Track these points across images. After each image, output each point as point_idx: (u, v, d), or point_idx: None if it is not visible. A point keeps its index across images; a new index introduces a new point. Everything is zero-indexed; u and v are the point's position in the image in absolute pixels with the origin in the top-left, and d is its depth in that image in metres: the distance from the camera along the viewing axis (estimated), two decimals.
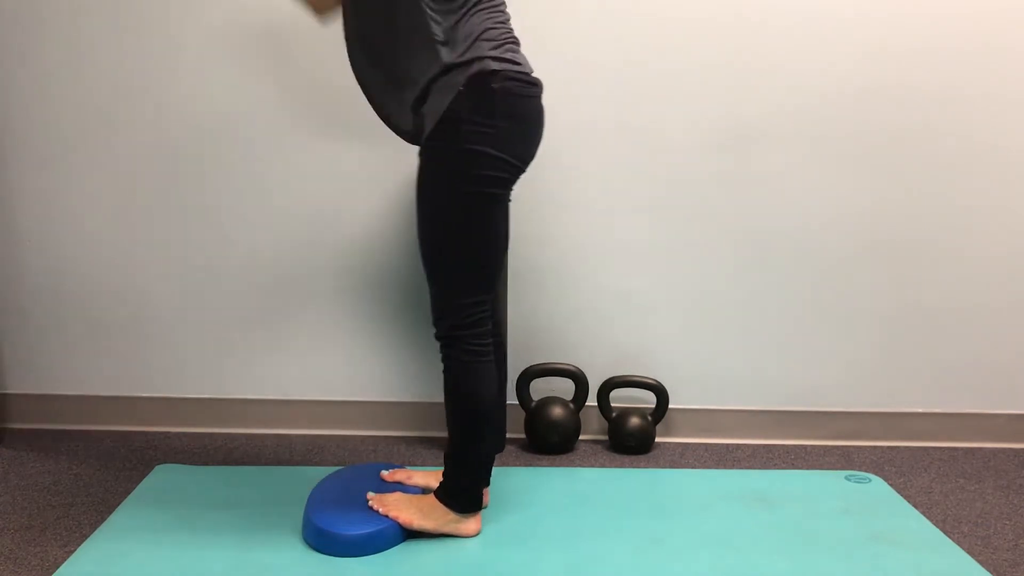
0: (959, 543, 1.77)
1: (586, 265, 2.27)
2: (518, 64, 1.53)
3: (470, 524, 1.72)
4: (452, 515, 1.70)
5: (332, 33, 2.15)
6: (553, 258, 2.27)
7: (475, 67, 1.47)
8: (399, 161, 2.21)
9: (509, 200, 1.61)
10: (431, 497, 1.72)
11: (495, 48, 1.50)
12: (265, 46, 2.16)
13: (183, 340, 2.31)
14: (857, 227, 2.26)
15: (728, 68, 2.18)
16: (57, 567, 1.59)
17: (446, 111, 1.47)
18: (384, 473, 1.86)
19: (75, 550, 1.64)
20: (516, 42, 1.57)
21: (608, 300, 2.28)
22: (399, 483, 1.83)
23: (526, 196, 2.21)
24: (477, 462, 1.69)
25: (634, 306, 2.29)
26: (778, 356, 2.32)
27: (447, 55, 1.47)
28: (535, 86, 1.56)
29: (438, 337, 1.62)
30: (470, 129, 1.48)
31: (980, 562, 1.69)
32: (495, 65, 1.48)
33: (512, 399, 2.26)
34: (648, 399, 2.29)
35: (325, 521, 1.66)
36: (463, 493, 1.70)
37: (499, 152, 1.51)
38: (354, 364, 2.32)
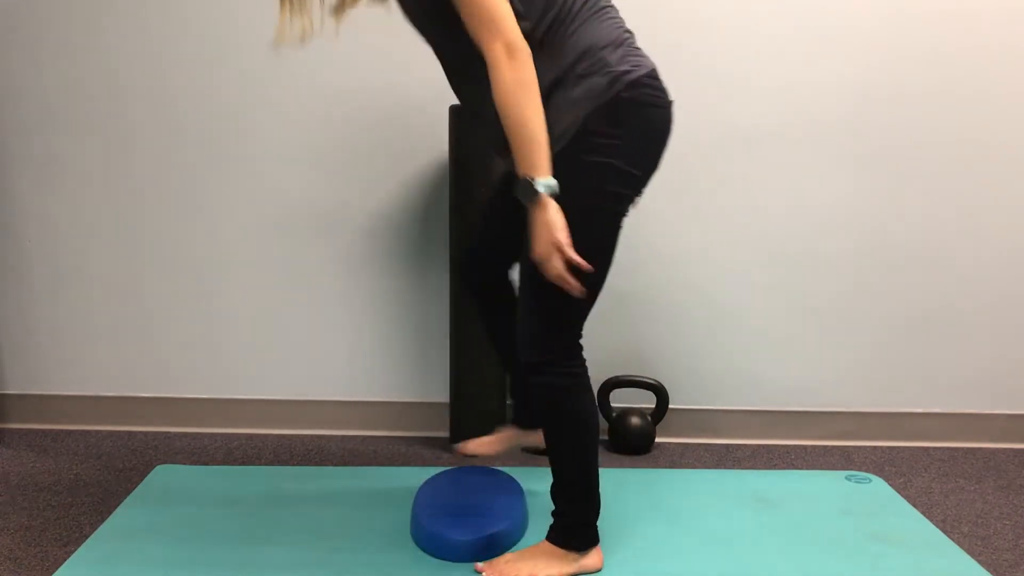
0: (959, 543, 1.77)
1: None
2: (641, 67, 1.42)
3: (594, 558, 1.59)
4: (573, 555, 1.57)
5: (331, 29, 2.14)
6: None
7: (599, 78, 1.37)
8: (401, 161, 2.21)
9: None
10: (544, 545, 1.59)
11: (620, 55, 1.40)
12: (265, 45, 2.16)
13: (183, 340, 2.31)
14: (857, 227, 2.26)
15: (729, 68, 2.18)
16: (57, 567, 1.58)
17: (577, 127, 1.37)
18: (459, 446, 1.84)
19: (75, 550, 1.64)
20: (636, 45, 1.46)
21: (608, 300, 2.27)
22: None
23: None
24: (592, 487, 1.56)
25: (634, 306, 2.29)
26: (778, 356, 2.32)
27: (553, 65, 1.38)
28: (666, 95, 1.46)
29: (530, 364, 1.51)
30: (597, 141, 1.38)
31: (980, 562, 1.69)
32: (628, 77, 1.38)
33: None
34: (648, 399, 2.29)
35: (438, 526, 1.65)
36: (585, 528, 1.58)
37: (626, 166, 1.41)
38: (354, 364, 2.32)
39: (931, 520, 1.87)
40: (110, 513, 1.81)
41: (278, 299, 2.29)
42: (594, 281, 1.47)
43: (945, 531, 1.82)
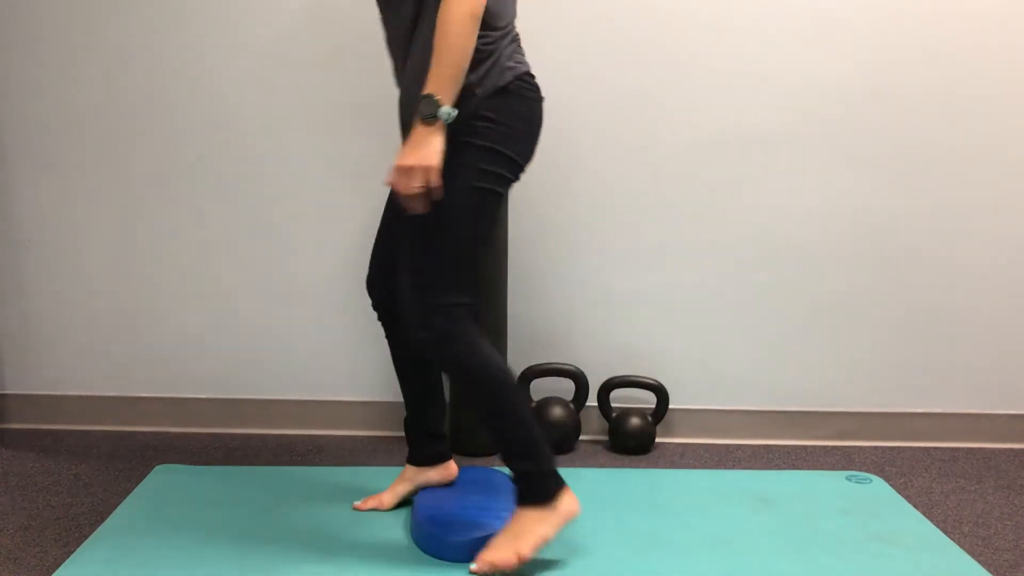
0: (959, 543, 1.77)
1: (587, 265, 2.27)
2: (524, 64, 1.55)
3: (567, 502, 1.56)
4: (547, 509, 1.55)
5: (332, 32, 2.15)
6: (553, 258, 2.26)
7: (495, 73, 1.49)
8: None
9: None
10: (518, 513, 1.57)
11: (512, 51, 1.53)
12: (264, 43, 2.16)
13: (183, 340, 2.31)
14: (857, 227, 2.26)
15: (729, 69, 2.18)
16: (57, 567, 1.58)
17: (469, 112, 1.47)
18: (356, 503, 1.84)
19: (75, 550, 1.64)
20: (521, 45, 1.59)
21: (608, 300, 2.28)
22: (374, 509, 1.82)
23: (527, 196, 2.21)
24: (532, 436, 1.54)
25: (634, 306, 2.29)
26: (778, 356, 2.32)
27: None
28: (540, 91, 1.58)
29: (412, 323, 1.51)
30: (483, 126, 1.48)
31: (980, 562, 1.68)
32: (515, 71, 1.51)
33: None
34: (648, 399, 2.29)
35: (438, 527, 1.65)
36: (541, 477, 1.55)
37: (510, 152, 1.52)
38: (354, 364, 2.32)
39: (931, 520, 1.87)
40: (110, 513, 1.80)
41: (278, 299, 2.29)
42: (473, 256, 1.54)
43: (945, 531, 1.82)
